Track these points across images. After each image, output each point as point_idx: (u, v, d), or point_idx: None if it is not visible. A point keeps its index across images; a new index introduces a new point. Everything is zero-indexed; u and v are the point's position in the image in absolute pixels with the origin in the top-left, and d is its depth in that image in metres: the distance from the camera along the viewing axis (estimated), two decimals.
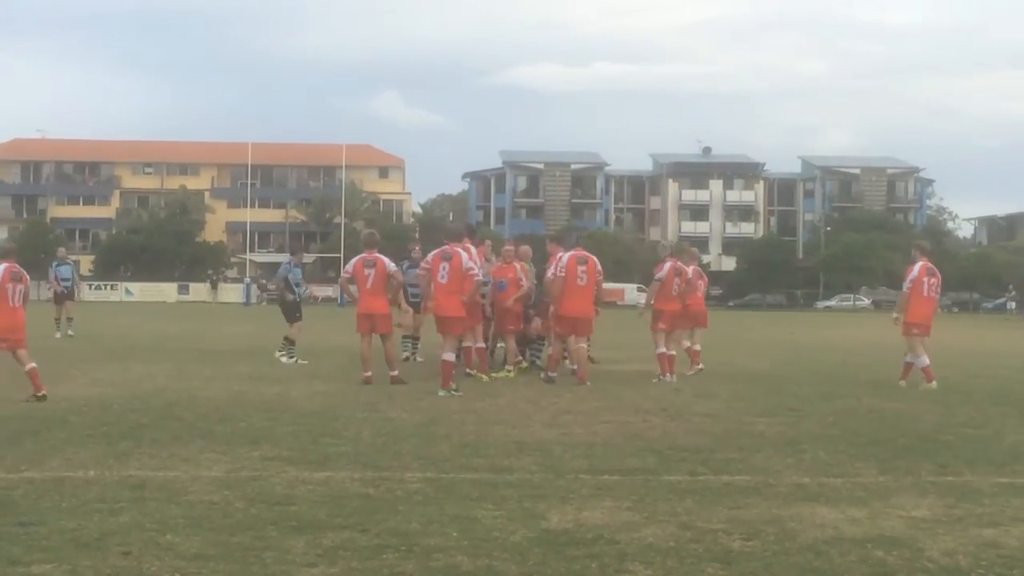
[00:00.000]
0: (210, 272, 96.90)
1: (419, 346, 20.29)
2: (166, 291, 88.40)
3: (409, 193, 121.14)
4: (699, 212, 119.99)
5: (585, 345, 16.47)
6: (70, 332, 27.35)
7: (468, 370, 16.01)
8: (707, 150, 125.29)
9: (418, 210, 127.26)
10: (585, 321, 16.26)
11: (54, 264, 28.96)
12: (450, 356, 14.44)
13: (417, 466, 8.77)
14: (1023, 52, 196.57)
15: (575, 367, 16.29)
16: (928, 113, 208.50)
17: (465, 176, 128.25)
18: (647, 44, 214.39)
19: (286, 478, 8.17)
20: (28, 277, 14.36)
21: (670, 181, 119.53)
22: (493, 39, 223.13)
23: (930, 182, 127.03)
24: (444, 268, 14.83)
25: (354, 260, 16.42)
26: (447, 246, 15.19)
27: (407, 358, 19.32)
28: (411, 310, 19.79)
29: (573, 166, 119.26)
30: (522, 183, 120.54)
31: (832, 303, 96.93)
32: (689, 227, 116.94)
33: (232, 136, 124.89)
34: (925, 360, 16.09)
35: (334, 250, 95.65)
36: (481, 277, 15.34)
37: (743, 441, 10.42)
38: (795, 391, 15.41)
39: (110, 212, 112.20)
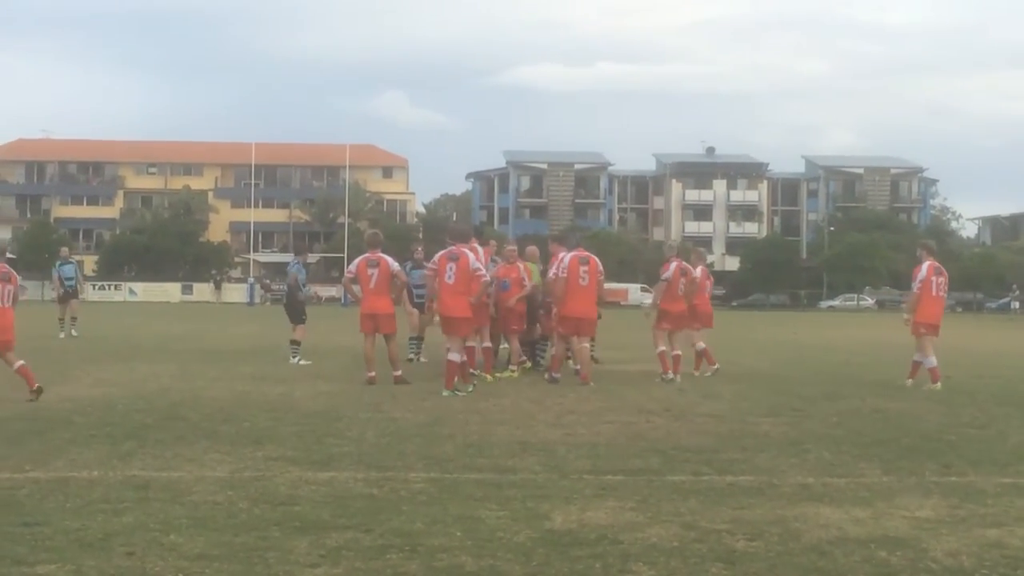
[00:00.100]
0: (214, 272, 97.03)
1: (423, 346, 20.29)
2: (170, 291, 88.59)
3: (413, 193, 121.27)
4: (703, 212, 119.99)
5: (588, 345, 16.48)
6: (74, 332, 27.35)
7: (471, 370, 16.02)
8: (711, 150, 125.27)
9: (422, 210, 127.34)
10: (588, 321, 16.27)
11: (57, 264, 28.94)
12: (455, 357, 14.44)
13: (421, 466, 8.77)
14: (1023, 52, 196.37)
15: (578, 367, 16.29)
16: (928, 113, 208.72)
17: (469, 176, 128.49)
18: (648, 44, 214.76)
19: (290, 478, 8.17)
20: (18, 277, 14.26)
21: (674, 181, 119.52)
22: (495, 39, 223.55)
23: (934, 182, 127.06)
24: (451, 269, 14.81)
25: (357, 260, 16.42)
26: (454, 247, 15.18)
27: (411, 359, 19.29)
28: (416, 311, 19.80)
29: (577, 166, 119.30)
30: (526, 183, 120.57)
31: (836, 303, 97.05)
32: (693, 227, 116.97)
33: (236, 136, 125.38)
34: (933, 361, 16.05)
35: (338, 250, 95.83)
36: (488, 278, 15.32)
37: (747, 441, 10.41)
38: (799, 391, 15.39)
39: (114, 212, 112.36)
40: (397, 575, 5.76)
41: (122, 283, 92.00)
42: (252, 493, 7.60)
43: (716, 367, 17.58)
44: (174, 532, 6.49)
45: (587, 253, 16.63)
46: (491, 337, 17.06)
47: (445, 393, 13.95)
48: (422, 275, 19.30)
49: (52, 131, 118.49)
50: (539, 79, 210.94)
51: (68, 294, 28.16)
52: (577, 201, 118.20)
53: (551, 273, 16.59)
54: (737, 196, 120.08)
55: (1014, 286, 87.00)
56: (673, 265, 17.28)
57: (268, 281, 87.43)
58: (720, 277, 18.00)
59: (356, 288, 16.20)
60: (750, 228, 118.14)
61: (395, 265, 16.19)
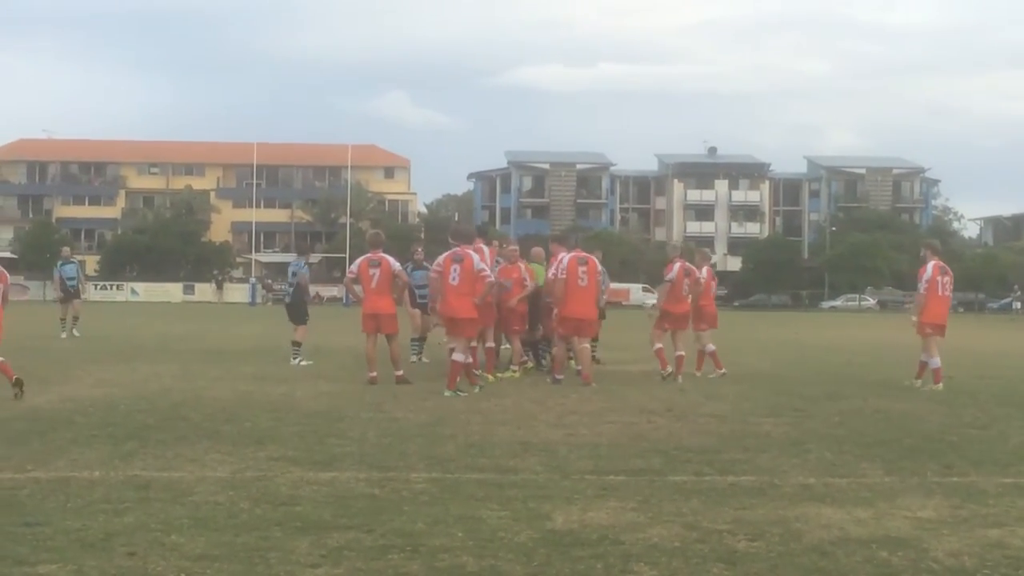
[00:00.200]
0: (215, 272, 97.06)
1: (424, 347, 20.30)
2: (171, 291, 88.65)
3: (415, 193, 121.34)
4: (704, 212, 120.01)
5: (589, 345, 16.49)
6: (76, 332, 27.36)
7: (474, 371, 16.02)
8: (712, 150, 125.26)
9: (423, 210, 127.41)
10: (588, 322, 16.27)
11: (59, 264, 28.89)
12: (460, 357, 14.45)
13: (422, 466, 8.77)
14: (1023, 52, 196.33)
15: (580, 368, 16.28)
16: (929, 113, 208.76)
17: (470, 176, 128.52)
18: (650, 44, 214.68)
19: (291, 478, 8.17)
20: (8, 277, 14.25)
21: (675, 181, 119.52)
22: (497, 39, 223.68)
23: (936, 182, 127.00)
24: (455, 270, 14.81)
25: (359, 260, 16.43)
26: (458, 248, 15.17)
27: (413, 360, 19.28)
28: (418, 312, 19.82)
29: (578, 166, 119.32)
30: (527, 183, 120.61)
31: (837, 303, 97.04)
32: (695, 227, 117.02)
33: (237, 136, 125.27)
34: (937, 362, 16.04)
35: (339, 250, 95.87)
36: (493, 278, 15.30)
37: (748, 441, 10.41)
38: (800, 391, 15.39)
39: (115, 212, 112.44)
40: (398, 575, 5.76)
41: (124, 283, 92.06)
42: (254, 493, 7.60)
43: (723, 372, 17.50)
44: (175, 532, 6.49)
45: (585, 254, 16.64)
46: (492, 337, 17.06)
47: (447, 393, 13.95)
48: (424, 275, 19.34)
49: (54, 131, 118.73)
50: (541, 79, 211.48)
51: (70, 294, 28.14)
52: (579, 201, 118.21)
53: (550, 274, 16.59)
54: (739, 196, 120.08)
55: (1016, 286, 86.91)
56: (676, 266, 17.30)
57: (270, 281, 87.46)
58: (722, 277, 18.04)
59: (358, 288, 16.20)
60: (752, 228, 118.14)
61: (396, 265, 16.19)
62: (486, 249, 16.46)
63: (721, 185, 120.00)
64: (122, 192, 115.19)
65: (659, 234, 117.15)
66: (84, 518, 6.81)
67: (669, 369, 16.73)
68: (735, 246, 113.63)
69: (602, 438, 10.50)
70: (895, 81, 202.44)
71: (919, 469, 9.02)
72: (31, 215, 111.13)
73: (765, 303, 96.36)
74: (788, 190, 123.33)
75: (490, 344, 16.67)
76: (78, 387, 14.78)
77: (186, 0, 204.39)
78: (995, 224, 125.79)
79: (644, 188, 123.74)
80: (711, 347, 17.79)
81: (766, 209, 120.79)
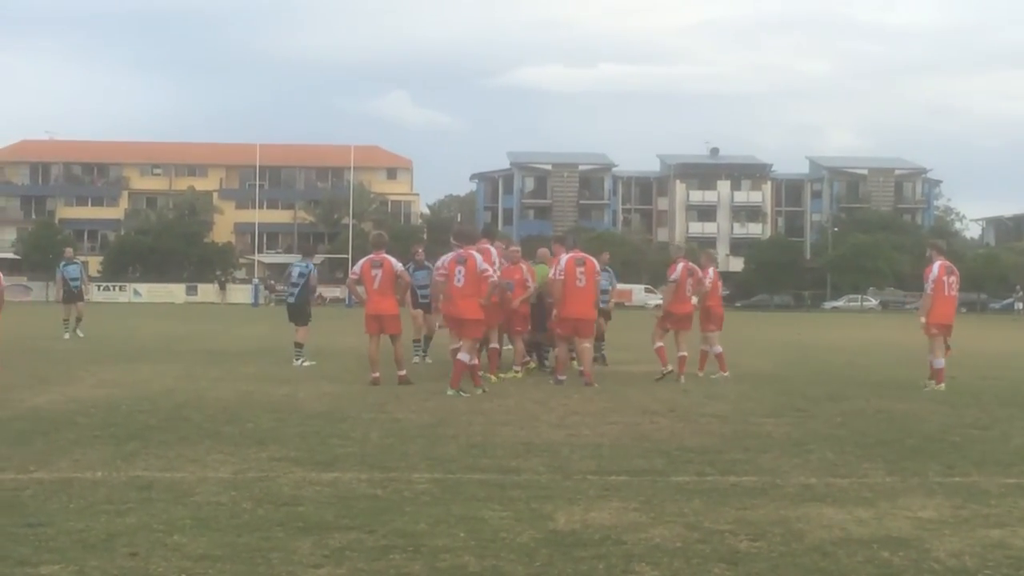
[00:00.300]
0: (218, 273, 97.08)
1: (429, 347, 20.31)
2: (174, 292, 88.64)
3: (417, 194, 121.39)
4: (707, 213, 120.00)
5: (590, 345, 16.47)
6: (79, 332, 27.36)
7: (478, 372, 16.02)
8: (715, 151, 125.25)
9: (426, 211, 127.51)
10: (586, 322, 16.23)
11: (62, 264, 28.86)
12: (465, 357, 14.47)
13: (424, 467, 8.77)
14: (1023, 52, 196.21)
15: (582, 368, 16.27)
16: (930, 113, 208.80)
17: (473, 177, 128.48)
18: (651, 45, 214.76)
19: (293, 479, 8.17)
20: (3, 279, 14.25)
21: (677, 182, 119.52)
22: (499, 40, 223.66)
23: (937, 183, 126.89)
24: (460, 272, 14.85)
25: (361, 261, 16.43)
26: (461, 249, 15.19)
27: (416, 361, 19.28)
28: (420, 312, 19.83)
29: (581, 167, 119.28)
30: (530, 184, 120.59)
31: (839, 304, 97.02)
32: (697, 228, 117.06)
33: (240, 137, 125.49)
34: (941, 362, 16.03)
35: (342, 251, 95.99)
36: (496, 278, 15.28)
37: (750, 442, 10.40)
38: (802, 392, 15.38)
39: (118, 213, 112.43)
40: (400, 575, 5.76)
41: (127, 284, 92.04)
42: (256, 494, 7.60)
43: (726, 375, 17.47)
44: (177, 533, 6.49)
45: (584, 254, 16.65)
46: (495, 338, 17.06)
47: (450, 392, 13.97)
48: (425, 276, 19.38)
49: (56, 132, 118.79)
50: (543, 80, 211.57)
51: (73, 295, 28.12)
52: (581, 202, 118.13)
53: (550, 274, 16.60)
54: (741, 197, 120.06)
55: (1018, 287, 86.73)
56: (680, 266, 17.30)
57: (273, 282, 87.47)
58: (724, 278, 18.10)
59: (360, 289, 16.19)
60: (754, 229, 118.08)
61: (399, 266, 16.19)
62: (493, 250, 16.42)
63: (723, 186, 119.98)
64: (125, 193, 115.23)
65: (661, 235, 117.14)
66: (86, 519, 6.81)
67: (669, 367, 16.72)
68: (737, 247, 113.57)
69: (604, 438, 10.50)
70: (896, 81, 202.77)
71: (921, 469, 9.01)
72: (34, 216, 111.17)
73: (767, 304, 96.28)
74: (790, 191, 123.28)
75: (493, 345, 16.67)
76: (80, 388, 14.78)
77: (188, 0, 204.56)
78: (997, 224, 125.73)
79: (646, 189, 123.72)
80: (719, 349, 17.75)
81: (768, 210, 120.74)
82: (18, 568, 5.74)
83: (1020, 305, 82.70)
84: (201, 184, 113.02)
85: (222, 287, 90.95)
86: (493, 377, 16.06)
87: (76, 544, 6.21)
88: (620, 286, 70.87)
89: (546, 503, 7.41)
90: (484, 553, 6.14)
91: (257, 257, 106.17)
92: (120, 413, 11.94)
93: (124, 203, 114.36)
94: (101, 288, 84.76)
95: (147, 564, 5.85)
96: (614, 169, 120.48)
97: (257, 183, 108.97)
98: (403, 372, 15.68)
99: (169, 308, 66.92)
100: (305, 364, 18.70)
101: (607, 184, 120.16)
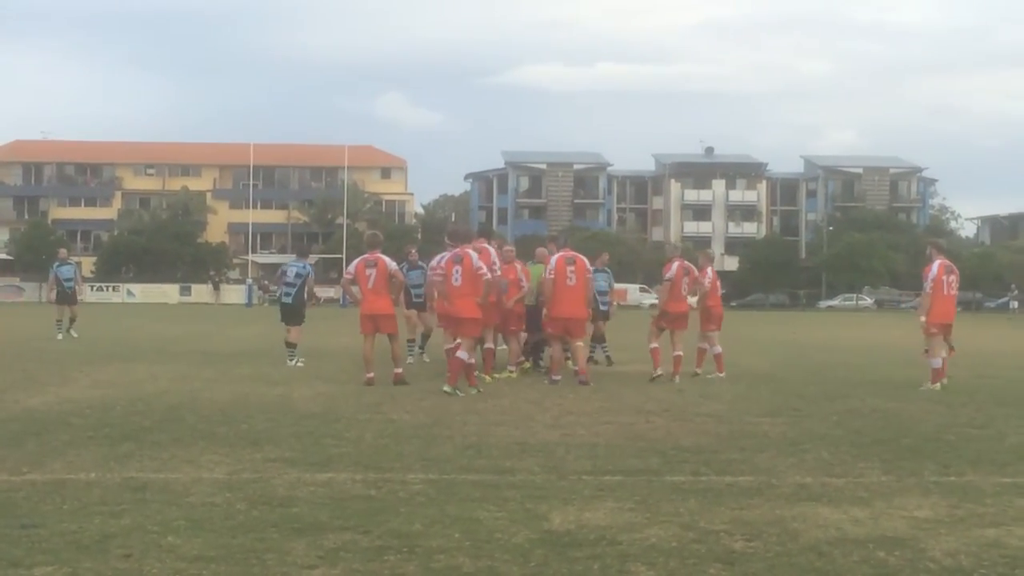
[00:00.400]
0: (212, 273, 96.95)
1: (427, 346, 20.33)
2: (168, 292, 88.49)
3: (411, 194, 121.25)
4: (702, 212, 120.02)
5: (583, 344, 16.48)
6: (73, 333, 27.32)
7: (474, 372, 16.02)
8: (710, 150, 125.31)
9: (420, 211, 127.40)
10: (577, 321, 16.24)
11: (55, 265, 28.83)
12: (464, 355, 14.50)
13: (419, 467, 8.77)
14: (1022, 52, 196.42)
15: (576, 367, 16.27)
16: (930, 113, 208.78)
17: (467, 176, 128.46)
18: (649, 44, 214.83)
19: (288, 480, 8.17)
20: None
21: (673, 181, 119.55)
22: (495, 39, 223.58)
23: (933, 182, 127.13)
24: (457, 271, 14.90)
25: (356, 261, 16.43)
26: (457, 249, 15.21)
27: (409, 362, 19.27)
28: (414, 312, 19.84)
29: (576, 166, 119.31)
30: (524, 183, 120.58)
31: (835, 303, 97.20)
32: (692, 227, 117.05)
33: (234, 137, 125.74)
34: (939, 362, 16.03)
35: (336, 251, 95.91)
36: (490, 276, 15.26)
37: (746, 441, 10.41)
38: (798, 391, 15.40)
39: (112, 213, 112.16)
40: None
41: (120, 284, 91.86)
42: (250, 494, 7.60)
43: (722, 376, 17.46)
44: (172, 534, 6.48)
45: (574, 253, 16.70)
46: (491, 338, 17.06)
47: (446, 388, 13.99)
48: (419, 275, 19.41)
49: (50, 132, 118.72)
50: (540, 79, 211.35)
51: (67, 296, 28.07)
52: (576, 201, 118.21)
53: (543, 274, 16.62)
54: (736, 196, 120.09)
55: (1013, 286, 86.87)
56: (675, 265, 17.30)
57: (267, 282, 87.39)
58: (719, 277, 18.00)
59: (355, 289, 16.18)
60: (749, 228, 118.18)
61: (393, 265, 16.18)
62: (492, 249, 16.39)
63: (718, 185, 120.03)
64: (118, 193, 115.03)
65: (656, 234, 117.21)
66: (80, 520, 6.80)
67: (659, 372, 16.71)
68: (732, 246, 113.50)
69: (599, 438, 10.50)
70: (896, 81, 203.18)
71: (916, 469, 9.02)
72: (27, 216, 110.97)
73: (762, 303, 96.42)
74: (785, 190, 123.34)
75: (488, 345, 16.66)
76: (74, 389, 14.76)
77: (182, 1, 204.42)
78: (992, 223, 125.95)
79: (641, 188, 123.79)
80: (718, 349, 17.76)
81: (763, 209, 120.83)
82: (11, 570, 5.73)
83: (1015, 304, 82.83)
84: (195, 184, 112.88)
85: (216, 287, 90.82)
86: (488, 377, 16.05)
87: (70, 545, 6.20)
88: (616, 286, 71.23)
89: (541, 503, 7.41)
90: (479, 554, 6.14)
91: (251, 257, 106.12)
92: (114, 414, 11.92)
93: (117, 203, 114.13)
94: (94, 289, 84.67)
95: (141, 565, 5.85)
96: (609, 168, 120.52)
97: (251, 183, 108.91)
98: (399, 370, 15.68)
99: (163, 309, 66.85)
100: (299, 364, 18.70)
101: (602, 183, 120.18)
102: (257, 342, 26.50)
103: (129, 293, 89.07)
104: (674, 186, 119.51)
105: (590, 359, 19.43)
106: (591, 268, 16.90)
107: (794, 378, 17.90)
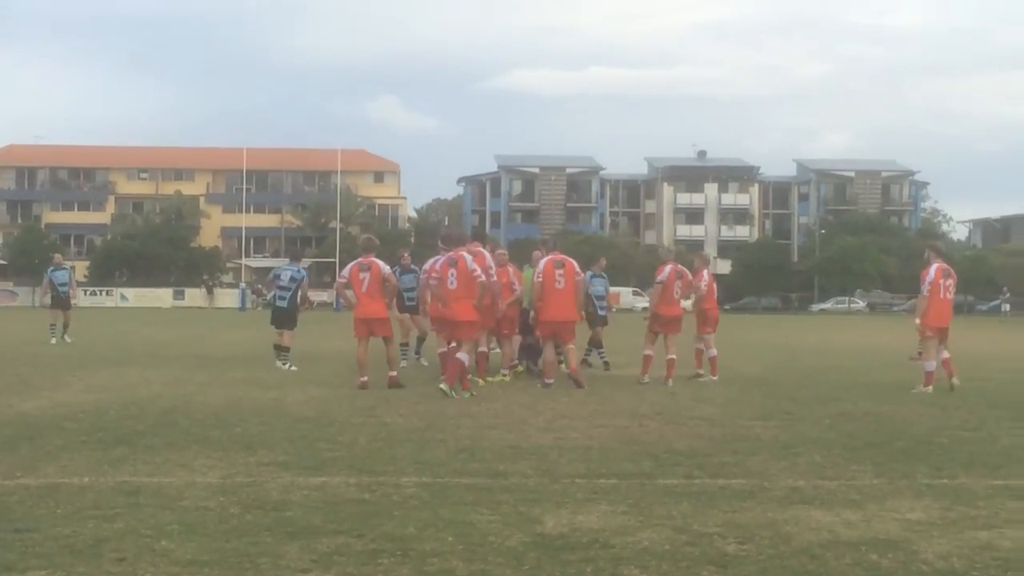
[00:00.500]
0: (205, 278, 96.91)
1: (422, 348, 20.30)
2: (161, 297, 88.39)
3: (404, 198, 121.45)
4: (694, 216, 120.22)
5: (574, 346, 16.46)
6: (67, 338, 27.28)
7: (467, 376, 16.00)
8: (702, 154, 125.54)
9: (413, 215, 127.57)
10: (566, 325, 16.22)
11: (50, 269, 28.77)
12: (464, 357, 14.54)
13: (413, 471, 8.76)
14: (1021, 54, 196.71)
15: (569, 370, 16.25)
16: (928, 116, 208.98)
17: (460, 180, 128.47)
18: (642, 49, 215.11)
19: (281, 483, 8.16)
20: None
21: (665, 185, 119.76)
22: (488, 44, 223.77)
23: (924, 185, 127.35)
24: (452, 275, 14.94)
25: (349, 265, 16.42)
26: (452, 252, 15.22)
27: (404, 366, 19.25)
28: (407, 316, 19.84)
29: (568, 170, 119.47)
30: (517, 187, 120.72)
31: (827, 306, 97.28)
32: (684, 231, 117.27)
33: (227, 141, 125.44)
34: (932, 365, 16.02)
35: (329, 255, 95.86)
36: (484, 278, 15.24)
37: (739, 445, 10.42)
38: (790, 395, 15.40)
39: (105, 218, 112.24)
40: None
41: (113, 289, 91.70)
42: (243, 498, 7.59)
43: (715, 379, 17.45)
44: (165, 538, 6.48)
45: (563, 256, 16.67)
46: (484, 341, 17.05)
47: (443, 387, 14.02)
48: (411, 279, 19.39)
49: (43, 136, 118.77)
50: (533, 84, 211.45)
51: (61, 300, 27.99)
52: (569, 205, 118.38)
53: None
54: (728, 200, 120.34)
55: (1004, 289, 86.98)
56: (668, 268, 17.27)
57: (260, 286, 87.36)
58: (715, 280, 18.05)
59: (349, 293, 16.17)
60: (741, 231, 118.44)
61: (386, 268, 16.16)
62: (487, 253, 16.36)
63: (711, 188, 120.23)
64: (111, 198, 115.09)
65: (649, 238, 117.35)
66: (74, 524, 6.79)
67: (646, 379, 16.72)
68: (725, 249, 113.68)
69: (593, 442, 10.51)
70: (894, 84, 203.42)
71: (909, 471, 9.03)
72: (20, 221, 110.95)
73: (755, 306, 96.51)
74: (777, 193, 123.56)
75: (482, 348, 16.65)
76: (68, 393, 14.74)
77: (176, 5, 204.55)
78: (984, 226, 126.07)
79: (634, 192, 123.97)
80: (713, 352, 17.78)
81: (755, 212, 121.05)
82: (5, 574, 5.73)
83: (1007, 307, 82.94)
84: (188, 188, 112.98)
85: (209, 292, 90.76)
86: (481, 381, 16.04)
87: (63, 550, 6.19)
88: (610, 289, 71.22)
89: (534, 507, 7.41)
90: (472, 557, 6.14)
91: (244, 261, 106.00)
92: (107, 418, 11.90)
93: (111, 208, 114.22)
94: (88, 293, 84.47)
95: (134, 569, 5.84)
96: (602, 172, 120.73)
97: (244, 187, 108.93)
98: (394, 373, 15.69)
99: (156, 313, 66.73)
100: (292, 369, 18.66)
101: (595, 187, 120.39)
102: (251, 346, 26.46)
103: (122, 297, 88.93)
104: (667, 190, 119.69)
105: (586, 362, 19.47)
106: (580, 271, 16.87)
107: (786, 381, 17.91)
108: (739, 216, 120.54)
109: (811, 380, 18.22)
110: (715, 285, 18.67)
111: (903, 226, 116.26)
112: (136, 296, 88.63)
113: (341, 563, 5.99)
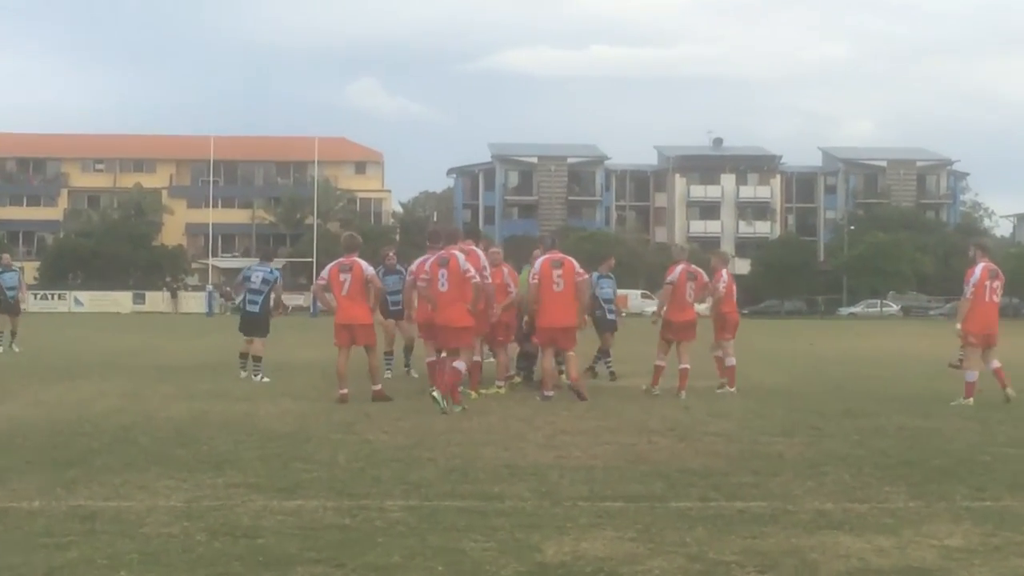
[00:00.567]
0: (169, 279, 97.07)
1: (411, 359, 20.27)
2: (120, 301, 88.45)
3: (388, 191, 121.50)
4: (709, 210, 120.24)
5: (575, 354, 16.44)
6: (15, 347, 27.23)
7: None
8: (718, 142, 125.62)
9: (399, 209, 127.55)
10: (566, 331, 16.18)
11: None
12: (461, 366, 14.54)
13: (398, 493, 8.76)
14: None
15: (570, 380, 16.25)
16: (961, 99, 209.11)
17: (450, 172, 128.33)
18: (649, 25, 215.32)
19: (253, 507, 8.16)
20: None
21: (677, 176, 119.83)
22: (478, 20, 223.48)
23: (964, 176, 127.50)
24: (443, 276, 14.87)
25: (329, 266, 16.38)
26: (442, 250, 15.18)
27: (388, 377, 19.25)
28: (392, 322, 19.77)
29: (570, 160, 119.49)
30: (514, 179, 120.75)
31: (857, 310, 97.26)
32: (699, 226, 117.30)
33: (192, 129, 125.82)
34: (974, 375, 15.96)
35: (305, 254, 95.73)
36: (478, 279, 15.18)
37: (759, 463, 10.43)
38: (816, 408, 15.42)
39: (57, 214, 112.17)
40: None
41: (66, 292, 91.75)
42: (211, 524, 7.59)
43: (733, 391, 17.47)
44: (124, 568, 6.47)
45: (561, 255, 16.62)
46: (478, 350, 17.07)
47: (435, 394, 14.01)
48: (396, 281, 19.30)
49: None
50: (529, 64, 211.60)
51: (8, 306, 27.90)
52: (570, 198, 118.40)
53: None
54: (747, 192, 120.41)
55: None
56: (679, 268, 17.22)
57: (229, 289, 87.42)
58: (734, 281, 17.91)
59: (329, 296, 16.13)
60: (762, 227, 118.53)
61: (369, 270, 16.09)
62: (480, 252, 16.31)
63: (727, 180, 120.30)
64: (64, 191, 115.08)
65: (659, 234, 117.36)
66: (24, 553, 6.79)
67: (656, 391, 16.74)
68: (743, 247, 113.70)
69: (597, 461, 10.52)
70: (923, 64, 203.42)
71: (947, 493, 9.04)
72: None
73: (777, 310, 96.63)
74: (801, 185, 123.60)
75: (475, 358, 16.62)
76: (15, 408, 14.74)
77: None
78: None
79: (643, 184, 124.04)
80: (732, 360, 17.77)
81: (777, 206, 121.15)
82: None
83: None
84: (149, 181, 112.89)
85: (173, 295, 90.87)
86: (474, 393, 16.02)
87: None
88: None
89: (533, 533, 7.42)
90: None
91: (211, 261, 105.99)
92: (60, 436, 11.89)
93: (63, 202, 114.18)
94: (38, 297, 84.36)
95: None
96: (607, 162, 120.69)
97: (211, 179, 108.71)
98: (378, 387, 15.66)
99: (114, 319, 66.74)
100: (264, 380, 18.62)
101: (599, 179, 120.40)
102: (218, 354, 26.45)
103: (77, 302, 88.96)
104: (679, 181, 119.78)
105: (591, 371, 19.46)
106: (582, 271, 16.78)
107: (812, 393, 17.93)
108: (759, 210, 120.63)
109: (839, 392, 18.25)
110: (735, 287, 18.64)
111: (941, 221, 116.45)
112: (92, 300, 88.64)
113: None
